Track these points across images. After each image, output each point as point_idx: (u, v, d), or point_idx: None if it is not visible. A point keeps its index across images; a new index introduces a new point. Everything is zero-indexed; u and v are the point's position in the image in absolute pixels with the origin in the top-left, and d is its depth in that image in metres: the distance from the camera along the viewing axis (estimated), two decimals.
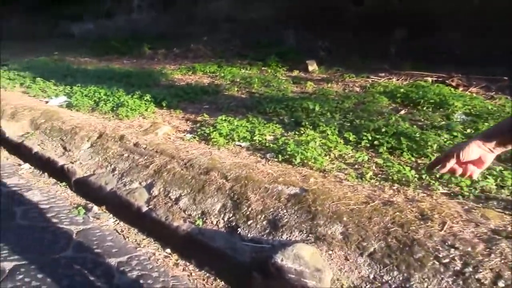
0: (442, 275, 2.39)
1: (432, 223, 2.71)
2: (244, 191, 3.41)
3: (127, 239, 3.59)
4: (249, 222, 3.15)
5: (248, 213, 3.21)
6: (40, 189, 4.55)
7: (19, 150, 5.52)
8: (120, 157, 4.55)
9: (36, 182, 4.77)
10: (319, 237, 2.81)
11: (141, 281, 2.99)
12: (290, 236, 2.91)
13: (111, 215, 3.99)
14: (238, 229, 3.14)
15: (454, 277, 2.36)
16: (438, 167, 1.40)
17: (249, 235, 3.06)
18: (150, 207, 3.68)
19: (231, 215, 3.28)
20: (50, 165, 4.92)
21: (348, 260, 2.64)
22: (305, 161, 3.89)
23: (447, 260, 2.45)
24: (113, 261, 3.23)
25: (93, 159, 4.73)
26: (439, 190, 3.30)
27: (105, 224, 3.84)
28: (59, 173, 4.74)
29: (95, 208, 4.08)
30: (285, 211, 3.10)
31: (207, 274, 3.09)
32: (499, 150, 1.30)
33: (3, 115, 6.47)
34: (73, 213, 4.01)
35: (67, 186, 4.59)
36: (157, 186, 3.88)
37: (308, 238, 2.84)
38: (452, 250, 2.49)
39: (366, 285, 2.50)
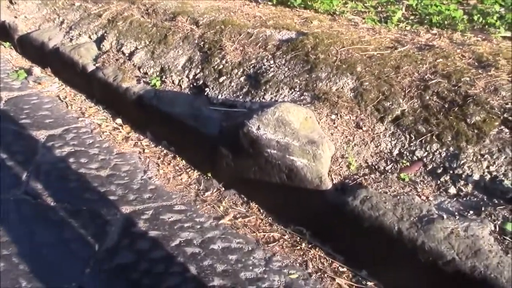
0: None
1: (497, 71, 1.72)
2: (218, 38, 2.41)
3: (69, 108, 2.72)
4: (221, 79, 2.20)
5: (221, 67, 2.25)
6: None
7: None
8: (70, 7, 3.51)
9: None
10: (318, 95, 1.87)
11: (71, 160, 2.16)
12: (276, 96, 1.97)
13: (56, 79, 3.09)
14: (206, 89, 2.21)
15: None
16: None
17: (219, 96, 2.13)
18: (97, 65, 2.74)
19: (198, 71, 2.33)
20: None
21: (361, 128, 1.72)
22: (308, 2, 2.80)
23: None
24: (42, 135, 2.39)
25: (40, 12, 3.70)
26: (499, 33, 2.24)
27: (47, 90, 2.96)
28: (2, 31, 3.76)
29: (37, 71, 3.17)
30: (271, 62, 2.13)
31: (164, 151, 2.25)
32: None
33: None
34: (11, 77, 3.12)
35: (12, 47, 3.64)
36: (109, 38, 2.89)
37: (302, 97, 1.90)
38: None
39: (387, 165, 1.60)
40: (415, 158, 1.57)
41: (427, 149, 1.57)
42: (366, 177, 1.56)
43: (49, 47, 3.12)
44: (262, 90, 2.00)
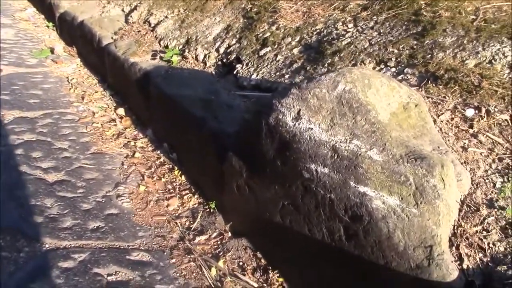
0: None
1: None
2: None
3: (71, 90, 2.02)
4: (262, 52, 1.33)
5: (267, 35, 1.38)
6: (23, 30, 3.14)
7: None
8: None
9: (19, 22, 3.36)
10: (434, 73, 0.92)
11: (19, 151, 1.40)
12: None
13: (77, 60, 2.44)
14: (238, 66, 1.35)
15: None
16: None
17: (254, 76, 1.26)
18: (115, 37, 2.02)
19: (233, 41, 1.48)
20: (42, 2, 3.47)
21: None
22: None
23: None
24: (11, 115, 1.70)
25: None
26: None
27: (61, 70, 2.30)
28: (49, 11, 3.27)
29: (60, 50, 2.56)
30: (350, 25, 1.23)
31: (162, 158, 1.41)
32: None
33: None
34: (32, 55, 2.53)
35: (54, 28, 3.13)
36: (140, 9, 2.18)
37: (402, 77, 0.95)
38: None
39: None
40: None
41: None
42: None
43: (77, 22, 2.49)
44: (326, 65, 1.09)
